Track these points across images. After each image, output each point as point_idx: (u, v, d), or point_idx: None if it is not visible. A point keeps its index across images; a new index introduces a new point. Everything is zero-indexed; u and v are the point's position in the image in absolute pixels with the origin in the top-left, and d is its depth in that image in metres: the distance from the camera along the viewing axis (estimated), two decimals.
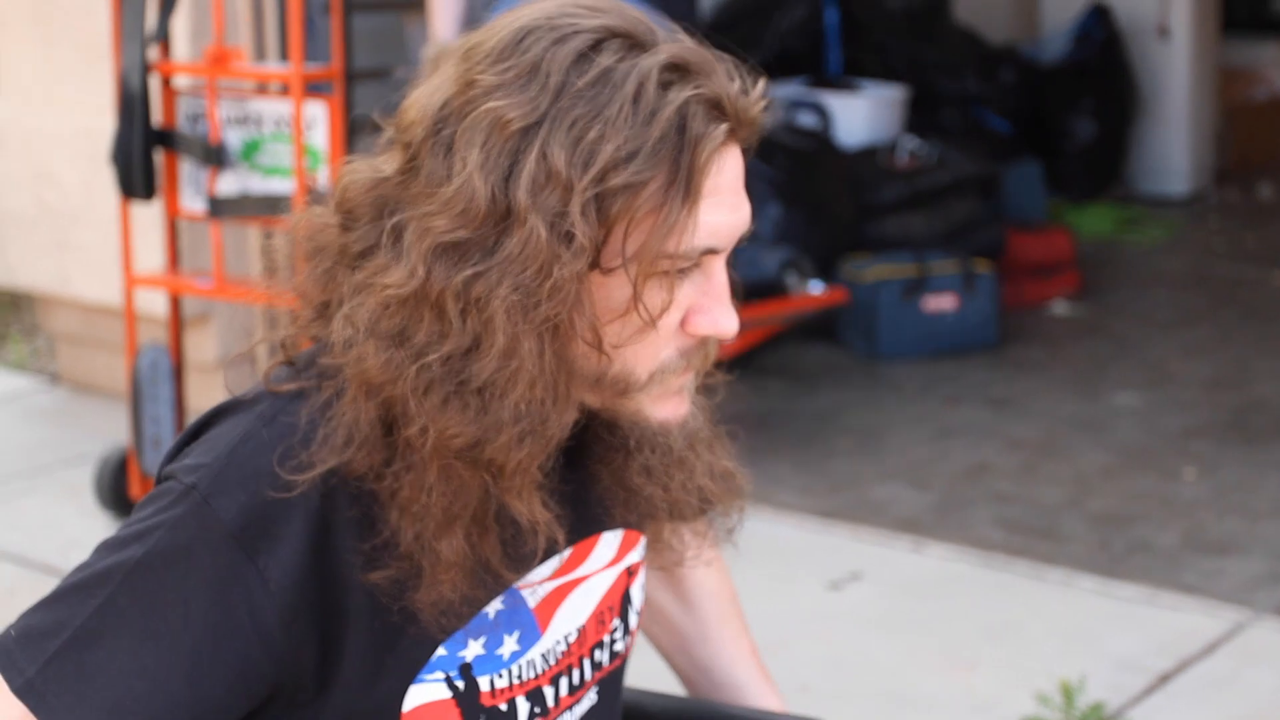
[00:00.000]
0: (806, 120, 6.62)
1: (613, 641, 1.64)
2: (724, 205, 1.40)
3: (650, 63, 1.38)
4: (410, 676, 1.48)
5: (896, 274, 5.95)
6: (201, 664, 1.41)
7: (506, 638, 1.53)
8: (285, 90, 4.35)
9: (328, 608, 1.44)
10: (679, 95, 1.37)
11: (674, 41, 1.42)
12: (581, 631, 1.59)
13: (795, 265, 5.54)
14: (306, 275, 1.48)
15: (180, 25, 4.79)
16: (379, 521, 1.44)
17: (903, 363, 5.88)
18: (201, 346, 5.07)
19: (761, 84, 1.45)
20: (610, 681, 1.66)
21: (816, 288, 5.52)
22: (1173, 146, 8.38)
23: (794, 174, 6.14)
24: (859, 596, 4.11)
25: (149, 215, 4.73)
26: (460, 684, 1.51)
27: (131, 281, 4.45)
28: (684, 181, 1.37)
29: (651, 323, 1.41)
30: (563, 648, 1.57)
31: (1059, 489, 4.78)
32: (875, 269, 5.97)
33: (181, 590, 1.41)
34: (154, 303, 4.84)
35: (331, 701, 1.47)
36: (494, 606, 1.51)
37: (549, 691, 1.57)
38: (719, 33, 5.74)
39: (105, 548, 1.44)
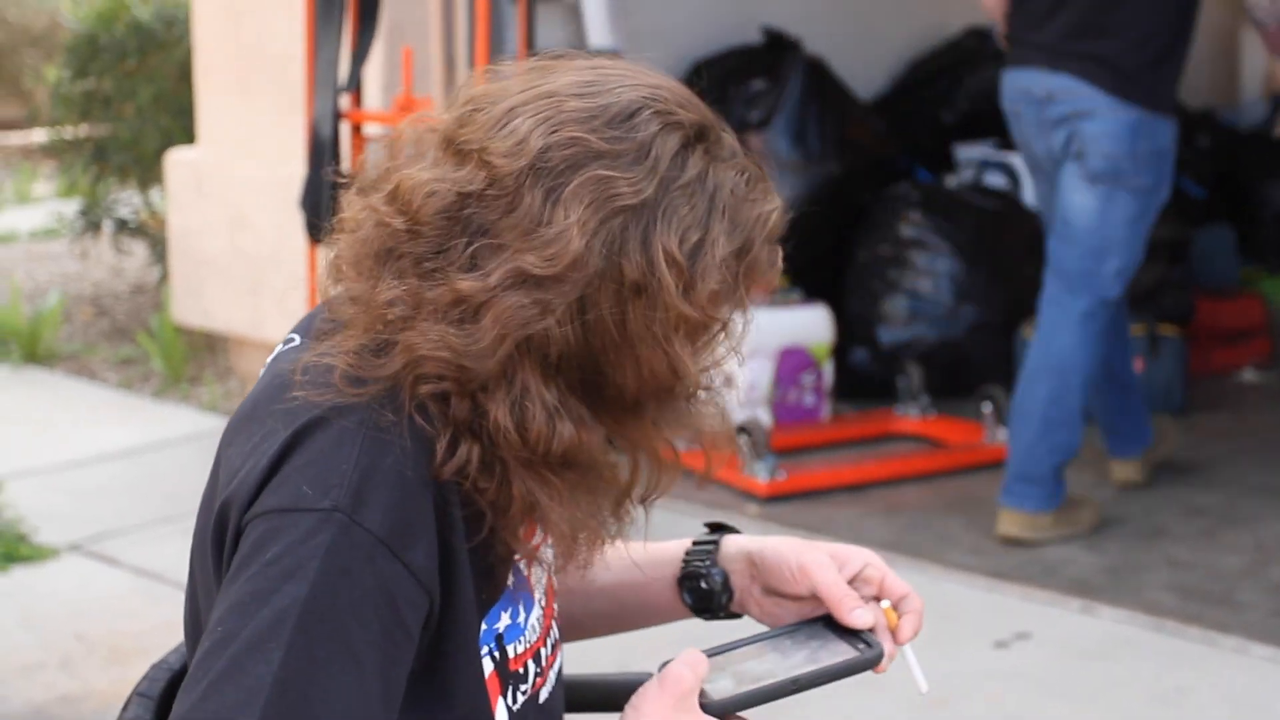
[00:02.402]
0: (995, 180, 6.60)
1: (557, 599, 1.74)
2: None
3: (733, 176, 1.54)
4: (479, 652, 1.57)
5: None
6: (389, 668, 1.46)
7: (520, 607, 1.62)
8: None
9: (445, 594, 1.51)
10: (755, 213, 1.55)
11: (737, 146, 1.58)
12: (546, 593, 1.68)
13: (992, 398, 5.50)
14: (372, 276, 1.52)
15: (373, 76, 4.93)
16: (478, 520, 1.52)
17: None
18: None
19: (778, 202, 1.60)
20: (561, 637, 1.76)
21: (1007, 434, 5.47)
22: None
23: (979, 233, 6.12)
24: (1027, 657, 4.07)
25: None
26: (497, 655, 1.59)
27: None
28: (741, 296, 1.56)
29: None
30: (541, 610, 1.66)
31: (1238, 557, 4.69)
32: None
33: (354, 610, 1.44)
34: None
35: (424, 689, 1.54)
36: (510, 579, 1.60)
37: (543, 652, 1.66)
38: (909, 92, 5.86)
39: (251, 599, 1.43)
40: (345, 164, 4.42)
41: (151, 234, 7.39)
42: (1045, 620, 4.27)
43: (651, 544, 1.84)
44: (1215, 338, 6.49)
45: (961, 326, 6.06)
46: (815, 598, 1.74)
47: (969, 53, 7.26)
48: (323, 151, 4.30)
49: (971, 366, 6.00)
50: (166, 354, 6.44)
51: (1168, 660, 4.05)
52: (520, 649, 1.62)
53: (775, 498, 5.07)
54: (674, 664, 1.57)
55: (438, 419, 1.49)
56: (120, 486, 5.34)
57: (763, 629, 1.77)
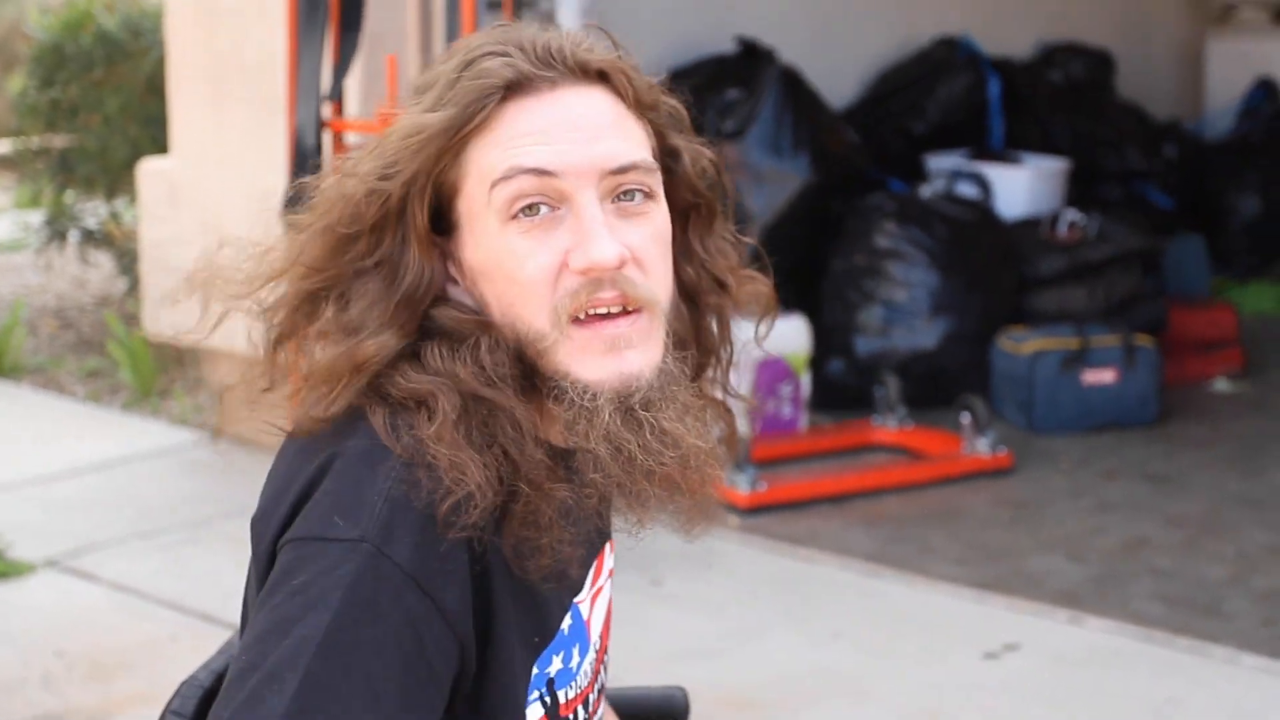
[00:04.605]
0: (967, 190, 6.60)
1: (608, 648, 1.70)
2: (546, 139, 1.49)
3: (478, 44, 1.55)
4: (524, 701, 1.53)
5: (1056, 346, 5.89)
6: (410, 708, 1.41)
7: (574, 651, 1.58)
8: None
9: (481, 639, 1.46)
10: (469, 55, 1.53)
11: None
12: (601, 638, 1.65)
13: (971, 409, 5.49)
14: (393, 310, 1.52)
15: (351, 84, 4.88)
16: (529, 553, 1.48)
17: (1060, 436, 5.82)
18: None
19: (595, 34, 1.56)
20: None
21: (986, 444, 5.45)
22: None
23: (953, 244, 6.12)
24: (1016, 667, 4.06)
25: None
26: (548, 700, 1.55)
27: None
28: (463, 115, 1.50)
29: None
30: (594, 654, 1.63)
31: (1222, 566, 4.69)
32: (1034, 341, 5.91)
33: (375, 644, 1.40)
34: None
35: None
36: (565, 622, 1.56)
37: (591, 698, 1.62)
38: (879, 102, 5.89)
39: (275, 628, 1.40)
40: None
41: (117, 245, 7.32)
42: (1033, 631, 4.25)
43: None
44: (1188, 347, 6.50)
45: (937, 336, 6.05)
46: None
47: (939, 63, 7.27)
48: (306, 160, 4.25)
49: (947, 377, 5.99)
50: (136, 366, 6.38)
51: (1159, 670, 4.04)
52: (571, 694, 1.58)
53: (756, 509, 5.05)
54: None
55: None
56: (94, 501, 5.28)
57: None
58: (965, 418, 5.49)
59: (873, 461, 5.58)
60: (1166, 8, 8.88)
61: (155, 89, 6.70)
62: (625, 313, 1.49)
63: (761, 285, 1.65)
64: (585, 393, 1.48)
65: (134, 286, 7.14)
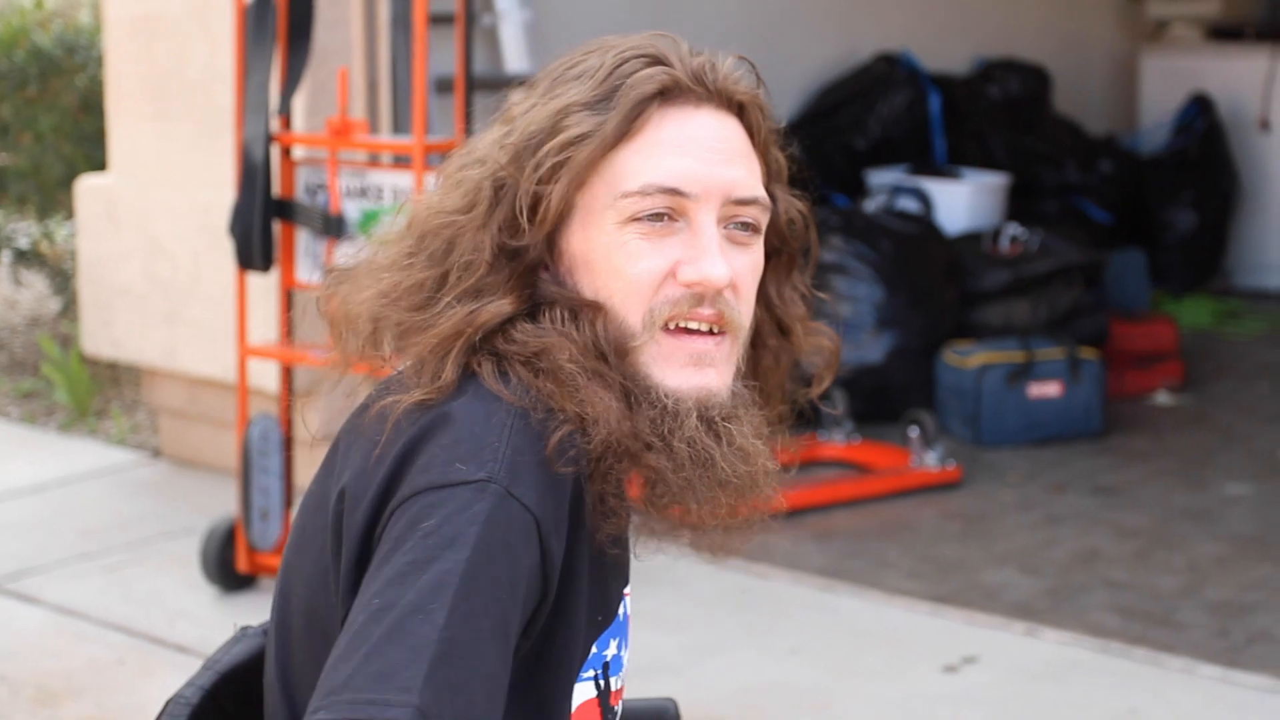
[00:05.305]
0: (908, 205, 6.60)
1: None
2: (683, 153, 1.55)
3: (630, 52, 1.60)
4: (576, 673, 1.53)
5: (1001, 359, 5.90)
6: (511, 655, 1.42)
7: (624, 642, 1.61)
8: (399, 162, 4.37)
9: (560, 600, 1.47)
10: (622, 55, 1.58)
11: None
12: (627, 643, 1.67)
13: (919, 423, 5.48)
14: (515, 279, 1.57)
15: (297, 99, 4.82)
16: (606, 514, 1.50)
17: (1006, 449, 5.82)
18: (307, 420, 5.06)
19: (743, 68, 1.64)
20: None
21: (934, 457, 5.45)
22: (1273, 240, 8.30)
23: (897, 258, 6.12)
24: (977, 680, 4.04)
25: (256, 288, 4.74)
26: (602, 683, 1.57)
27: (245, 352, 4.45)
28: (624, 123, 1.53)
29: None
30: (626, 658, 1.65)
31: (1174, 577, 4.70)
32: (979, 355, 5.92)
33: (510, 585, 1.40)
34: (259, 376, 4.83)
35: (521, 694, 1.48)
36: (622, 610, 1.59)
37: (624, 698, 1.67)
38: (821, 117, 5.88)
39: (410, 569, 1.38)
40: (275, 188, 4.31)
41: (50, 264, 7.21)
42: (991, 644, 4.24)
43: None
44: (1129, 361, 6.53)
45: (882, 351, 6.04)
46: None
47: (880, 78, 7.28)
48: (254, 176, 4.19)
49: (893, 391, 5.99)
50: (73, 387, 6.28)
51: (1118, 681, 4.03)
52: (617, 685, 1.59)
53: None
54: None
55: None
56: (32, 523, 5.19)
57: None
58: (914, 432, 5.48)
59: (822, 477, 5.56)
60: (1101, 24, 8.94)
61: (90, 106, 6.61)
62: (711, 333, 1.55)
63: (827, 340, 1.75)
64: (668, 396, 1.52)
65: (68, 306, 7.04)
